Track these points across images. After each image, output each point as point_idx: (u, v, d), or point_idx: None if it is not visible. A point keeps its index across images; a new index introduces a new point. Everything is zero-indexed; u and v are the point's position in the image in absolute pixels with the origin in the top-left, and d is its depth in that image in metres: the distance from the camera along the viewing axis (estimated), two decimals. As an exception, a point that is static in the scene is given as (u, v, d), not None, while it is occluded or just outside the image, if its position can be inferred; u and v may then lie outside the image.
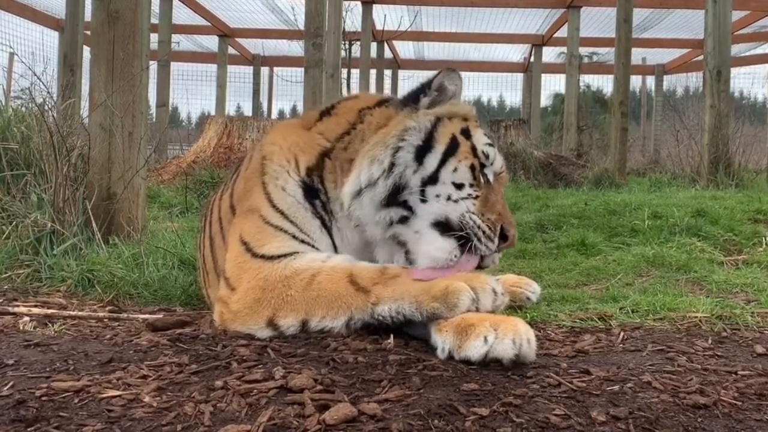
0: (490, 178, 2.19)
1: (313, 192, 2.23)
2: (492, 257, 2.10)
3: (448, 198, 2.08)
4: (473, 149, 2.17)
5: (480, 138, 2.22)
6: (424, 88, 2.25)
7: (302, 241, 2.16)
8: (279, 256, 2.08)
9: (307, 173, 2.25)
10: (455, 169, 2.10)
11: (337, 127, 2.29)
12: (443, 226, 2.06)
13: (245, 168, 2.41)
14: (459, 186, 2.10)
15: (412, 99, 2.25)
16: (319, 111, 2.42)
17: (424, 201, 2.07)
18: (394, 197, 2.07)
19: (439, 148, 2.11)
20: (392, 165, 2.07)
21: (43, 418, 1.36)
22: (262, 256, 2.09)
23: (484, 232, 2.06)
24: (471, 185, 2.11)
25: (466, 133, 2.19)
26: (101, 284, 2.83)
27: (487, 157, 2.19)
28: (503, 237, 2.10)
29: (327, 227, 2.22)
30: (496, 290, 1.89)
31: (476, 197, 2.11)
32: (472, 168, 2.13)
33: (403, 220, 2.08)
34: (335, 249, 2.21)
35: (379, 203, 2.07)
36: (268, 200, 2.21)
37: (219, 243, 2.41)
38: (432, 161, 2.10)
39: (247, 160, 2.46)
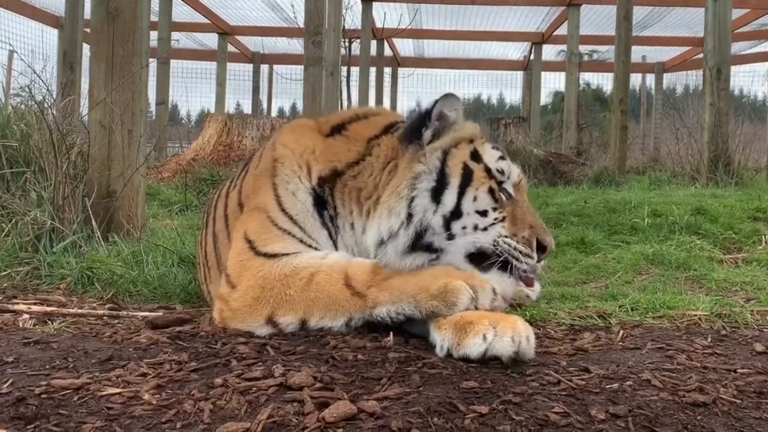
0: (511, 191, 2.20)
1: (322, 203, 2.22)
2: (534, 269, 2.15)
3: (475, 227, 2.09)
4: (488, 171, 2.16)
5: (491, 156, 2.21)
6: (424, 119, 2.18)
7: (309, 246, 2.16)
8: (281, 255, 2.08)
9: (319, 183, 2.23)
10: (475, 198, 2.11)
11: (348, 153, 2.24)
12: (477, 257, 2.08)
13: (255, 166, 2.40)
14: (483, 213, 2.10)
15: (415, 134, 2.17)
16: (332, 125, 2.36)
17: (451, 238, 2.07)
18: (418, 242, 2.06)
19: (454, 182, 2.10)
20: (410, 216, 2.06)
21: (42, 415, 1.36)
22: (265, 254, 2.09)
23: (521, 252, 2.09)
24: (494, 209, 2.12)
25: (476, 157, 2.18)
26: (101, 282, 2.83)
27: (502, 173, 2.19)
28: (541, 248, 2.14)
29: (332, 239, 2.22)
30: (495, 290, 1.91)
31: (503, 219, 2.12)
32: (491, 191, 2.13)
33: (433, 261, 2.08)
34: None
35: (403, 251, 2.05)
36: (278, 203, 2.20)
37: (223, 240, 2.40)
38: (450, 197, 2.09)
39: (257, 157, 2.45)
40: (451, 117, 2.20)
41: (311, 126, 2.42)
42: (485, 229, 2.09)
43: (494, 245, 2.08)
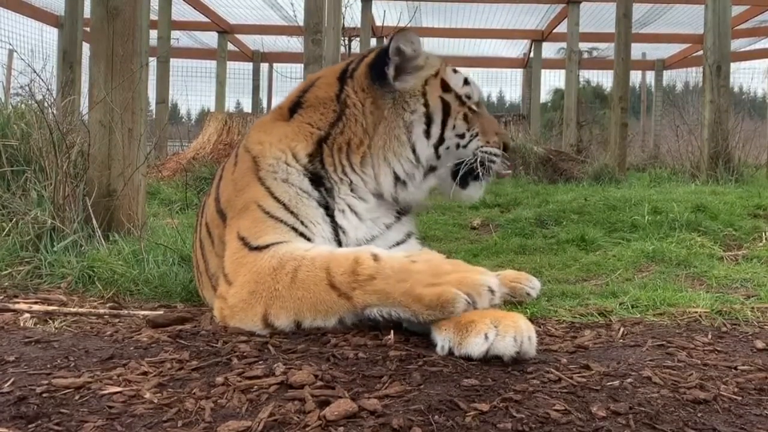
0: (476, 108, 2.49)
1: (318, 178, 2.28)
2: (505, 163, 2.56)
3: (457, 146, 2.44)
4: (459, 98, 2.44)
5: (457, 81, 2.46)
6: (383, 58, 2.35)
7: (301, 234, 2.17)
8: (271, 245, 2.09)
9: (310, 160, 2.30)
10: (454, 126, 2.43)
11: (324, 117, 2.36)
12: (457, 171, 2.45)
13: (231, 171, 2.40)
14: (461, 136, 2.44)
15: (380, 73, 2.35)
16: (288, 107, 2.45)
17: (438, 158, 2.43)
18: (428, 173, 2.43)
19: (437, 118, 2.40)
20: (417, 156, 2.37)
21: (43, 414, 1.36)
22: (257, 248, 2.10)
23: (495, 154, 2.49)
24: (468, 129, 2.45)
25: (447, 88, 2.43)
26: (101, 281, 2.83)
27: (469, 98, 2.48)
28: (505, 148, 2.54)
29: (329, 211, 2.26)
30: (492, 289, 1.84)
31: (477, 134, 2.46)
32: (465, 116, 2.45)
33: (433, 174, 2.45)
34: (341, 230, 2.26)
35: (420, 182, 2.41)
36: (269, 193, 2.22)
37: (208, 247, 2.42)
38: (436, 130, 2.40)
39: (231, 164, 2.45)
40: (408, 52, 2.37)
41: (273, 118, 2.48)
42: (465, 146, 2.45)
43: (474, 156, 2.44)
